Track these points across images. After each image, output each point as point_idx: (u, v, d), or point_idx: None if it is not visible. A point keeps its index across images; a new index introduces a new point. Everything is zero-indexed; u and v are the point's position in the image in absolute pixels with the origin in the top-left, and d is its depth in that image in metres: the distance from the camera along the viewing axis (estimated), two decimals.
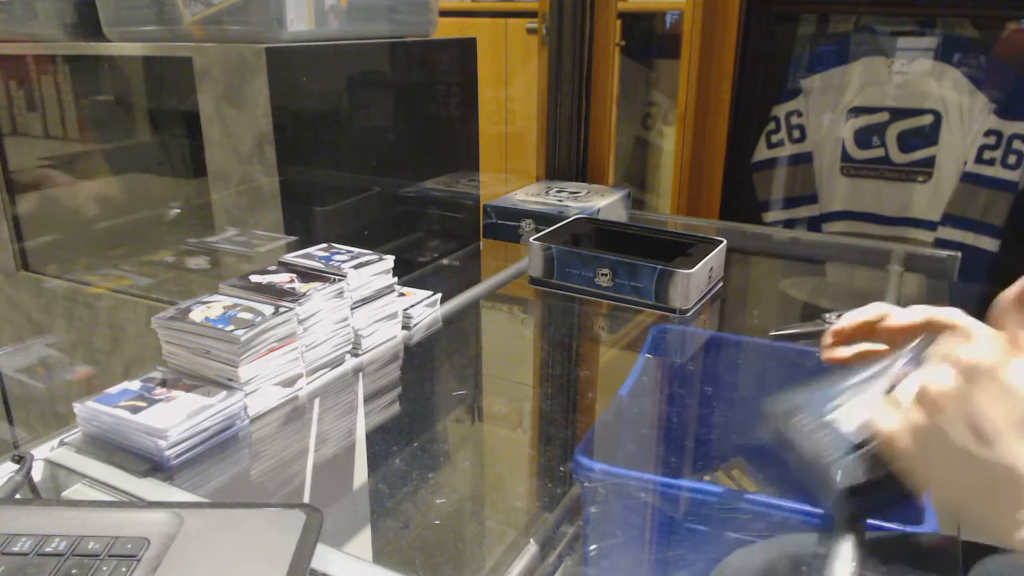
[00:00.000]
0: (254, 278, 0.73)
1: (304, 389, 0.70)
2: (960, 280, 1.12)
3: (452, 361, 0.86)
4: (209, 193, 1.02)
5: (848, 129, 1.61)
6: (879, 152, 1.60)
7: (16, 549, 0.42)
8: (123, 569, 0.41)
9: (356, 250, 0.81)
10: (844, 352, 0.54)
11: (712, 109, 1.62)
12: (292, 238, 0.99)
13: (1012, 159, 1.48)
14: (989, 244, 1.52)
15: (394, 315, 0.81)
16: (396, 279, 0.81)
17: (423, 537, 0.58)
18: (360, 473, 0.64)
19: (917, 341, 0.50)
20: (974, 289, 1.31)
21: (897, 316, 0.52)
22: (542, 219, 1.10)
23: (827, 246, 1.35)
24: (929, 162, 1.56)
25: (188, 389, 0.63)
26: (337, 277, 0.73)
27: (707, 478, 0.64)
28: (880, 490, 0.46)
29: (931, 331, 0.50)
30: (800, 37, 1.65)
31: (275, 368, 0.67)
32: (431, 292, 0.88)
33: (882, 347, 0.53)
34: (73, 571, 0.41)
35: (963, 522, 0.47)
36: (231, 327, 0.63)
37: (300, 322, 0.68)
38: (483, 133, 1.31)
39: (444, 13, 1.23)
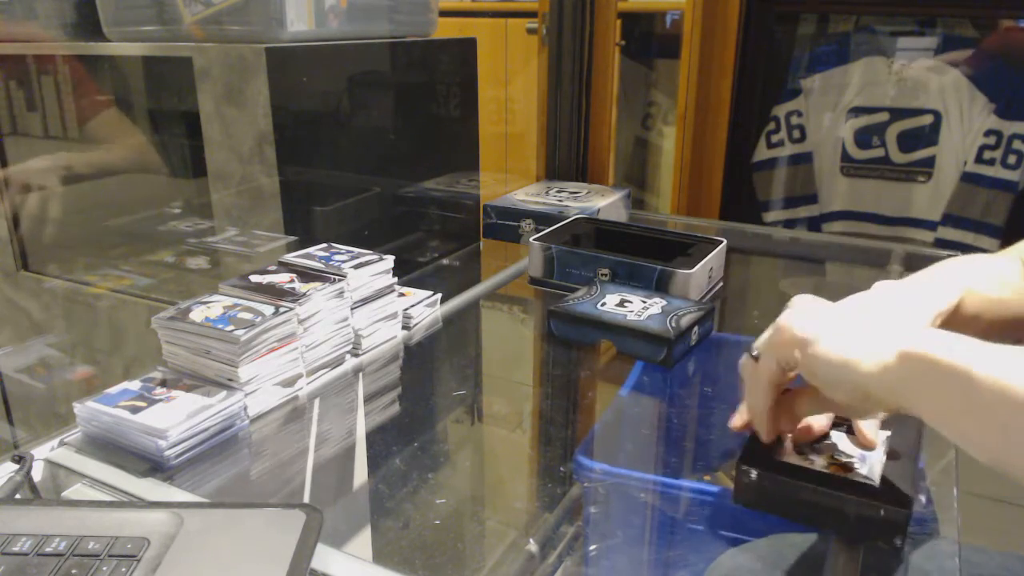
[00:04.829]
0: (254, 278, 0.73)
1: (304, 389, 0.70)
2: None
3: (452, 361, 0.86)
4: (209, 193, 1.02)
5: (848, 129, 1.61)
6: (879, 152, 1.60)
7: (16, 549, 0.42)
8: (123, 569, 0.41)
9: (356, 250, 0.81)
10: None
11: (712, 109, 1.62)
12: (292, 238, 0.99)
13: (1012, 159, 1.48)
14: (989, 244, 1.52)
15: (394, 315, 0.81)
16: (396, 279, 0.81)
17: (423, 537, 0.58)
18: (360, 473, 0.64)
19: None
20: None
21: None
22: (542, 219, 1.10)
23: (827, 246, 1.34)
24: (929, 162, 1.56)
25: (188, 389, 0.63)
26: (337, 277, 0.74)
27: (707, 478, 0.64)
28: None
29: None
30: (800, 37, 1.65)
31: (275, 368, 0.67)
32: (431, 292, 0.88)
33: None
34: (73, 571, 0.41)
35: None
36: (231, 327, 0.63)
37: (300, 322, 0.68)
38: (483, 133, 1.31)
39: (444, 13, 1.23)
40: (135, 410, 0.59)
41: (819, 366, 0.48)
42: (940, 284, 0.56)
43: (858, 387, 0.46)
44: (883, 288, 0.57)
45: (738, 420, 0.57)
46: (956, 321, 0.55)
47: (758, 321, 0.96)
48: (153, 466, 0.57)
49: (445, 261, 1.19)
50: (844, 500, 0.48)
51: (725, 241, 0.97)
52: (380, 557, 0.56)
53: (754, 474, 0.50)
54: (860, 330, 0.48)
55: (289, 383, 0.69)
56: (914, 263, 1.11)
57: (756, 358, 0.53)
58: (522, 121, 2.22)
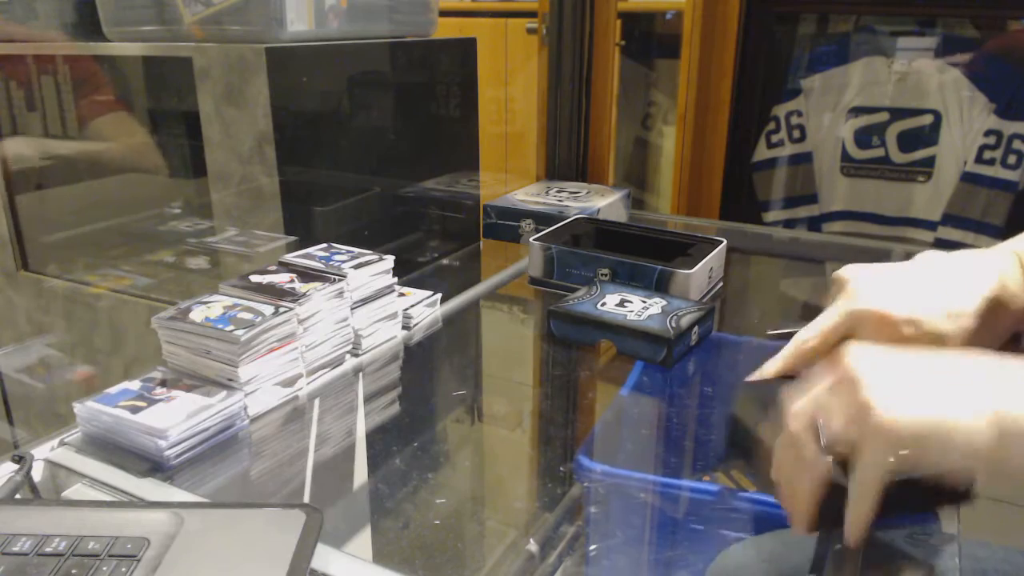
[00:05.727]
0: (254, 278, 0.73)
1: (304, 389, 0.70)
2: None
3: (452, 361, 0.86)
4: (209, 193, 1.02)
5: (848, 129, 1.61)
6: (879, 152, 1.60)
7: (16, 549, 0.42)
8: (123, 569, 0.41)
9: (356, 250, 0.81)
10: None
11: (712, 109, 1.62)
12: (292, 238, 0.99)
13: (1012, 159, 1.48)
14: (989, 244, 1.51)
15: (394, 315, 0.81)
16: (396, 279, 0.81)
17: (423, 537, 0.58)
18: (360, 473, 0.64)
19: None
20: None
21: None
22: (542, 219, 1.10)
23: (827, 246, 1.34)
24: (929, 162, 1.56)
25: (188, 389, 0.63)
26: (337, 277, 0.74)
27: (707, 478, 0.64)
28: None
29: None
30: (800, 37, 1.65)
31: (275, 368, 0.67)
32: (431, 292, 0.88)
33: None
34: (73, 571, 0.41)
35: None
36: (231, 327, 0.63)
37: (300, 322, 0.68)
38: (483, 133, 1.31)
39: (444, 13, 1.23)
40: (135, 410, 0.59)
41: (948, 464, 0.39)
42: (987, 266, 0.56)
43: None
44: (934, 258, 0.57)
45: (755, 375, 0.55)
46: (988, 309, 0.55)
47: (758, 321, 0.96)
48: (153, 466, 0.57)
49: (445, 261, 1.19)
50: None
51: (725, 241, 0.97)
52: (380, 557, 0.56)
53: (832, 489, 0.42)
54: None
55: (289, 383, 0.69)
56: None
57: (831, 450, 0.42)
58: (522, 121, 2.22)
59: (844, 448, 0.41)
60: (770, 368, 0.55)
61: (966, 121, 1.51)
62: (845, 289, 0.56)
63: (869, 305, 0.53)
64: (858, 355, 0.42)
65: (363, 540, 0.57)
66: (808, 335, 0.54)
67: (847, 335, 0.53)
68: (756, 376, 0.55)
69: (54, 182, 1.28)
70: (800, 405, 0.44)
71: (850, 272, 0.58)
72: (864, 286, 0.55)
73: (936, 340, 0.51)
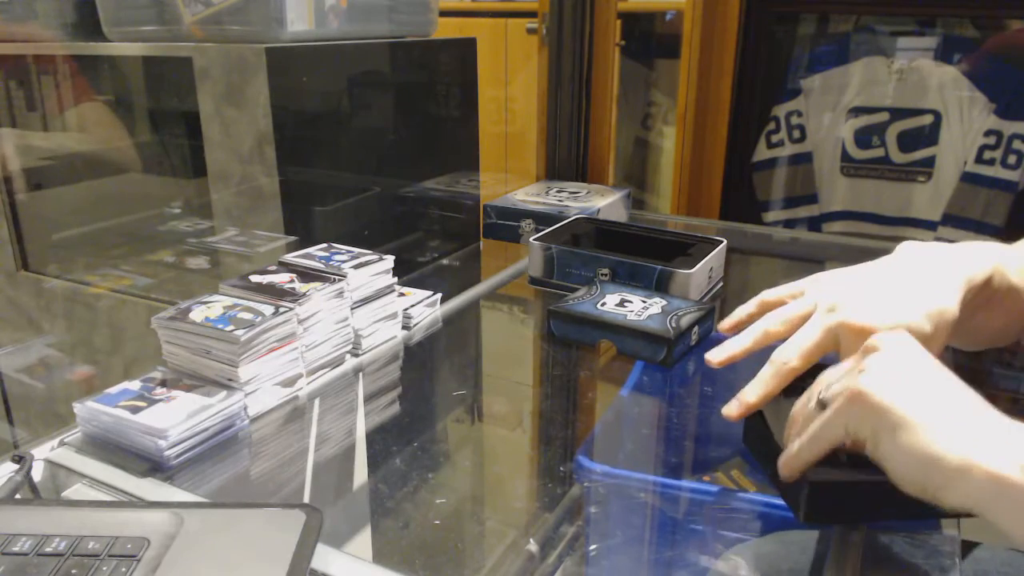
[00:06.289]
0: (254, 278, 0.73)
1: (304, 389, 0.70)
2: None
3: (452, 361, 0.86)
4: (209, 193, 1.02)
5: (848, 129, 1.61)
6: (879, 152, 1.60)
7: (16, 549, 0.42)
8: (123, 569, 0.41)
9: (356, 250, 0.81)
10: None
11: (712, 109, 1.62)
12: (292, 238, 0.99)
13: (1012, 159, 1.48)
14: None
15: (394, 315, 0.81)
16: (396, 279, 0.81)
17: (423, 537, 0.58)
18: (360, 473, 0.64)
19: None
20: None
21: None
22: (542, 219, 1.10)
23: (827, 246, 1.34)
24: (929, 162, 1.56)
25: (188, 389, 0.63)
26: (337, 277, 0.73)
27: (707, 479, 0.64)
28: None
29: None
30: (800, 37, 1.65)
31: (275, 368, 0.67)
32: (431, 292, 0.88)
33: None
34: (73, 571, 0.41)
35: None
36: (231, 327, 0.63)
37: (300, 322, 0.68)
38: (483, 133, 1.31)
39: (444, 13, 1.23)
40: (135, 410, 0.59)
41: (899, 460, 0.40)
42: (972, 253, 0.56)
43: (934, 489, 0.39)
44: (911, 254, 0.57)
45: (736, 409, 0.55)
46: (984, 296, 0.55)
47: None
48: (153, 466, 0.57)
49: (445, 261, 1.19)
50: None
51: (725, 241, 0.97)
52: (380, 557, 0.56)
53: (828, 485, 0.45)
54: (953, 416, 0.40)
55: (289, 383, 0.69)
56: None
57: (823, 406, 0.46)
58: (522, 121, 2.22)
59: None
60: (752, 397, 0.54)
61: (966, 121, 1.51)
62: (822, 301, 0.55)
63: (849, 318, 0.52)
64: (895, 337, 0.45)
65: (363, 540, 0.57)
66: (788, 355, 0.54)
67: (831, 350, 0.53)
68: (736, 409, 0.54)
69: (48, 181, 1.28)
70: (829, 372, 0.49)
71: (825, 282, 0.57)
72: (842, 297, 0.55)
73: (921, 341, 0.52)
